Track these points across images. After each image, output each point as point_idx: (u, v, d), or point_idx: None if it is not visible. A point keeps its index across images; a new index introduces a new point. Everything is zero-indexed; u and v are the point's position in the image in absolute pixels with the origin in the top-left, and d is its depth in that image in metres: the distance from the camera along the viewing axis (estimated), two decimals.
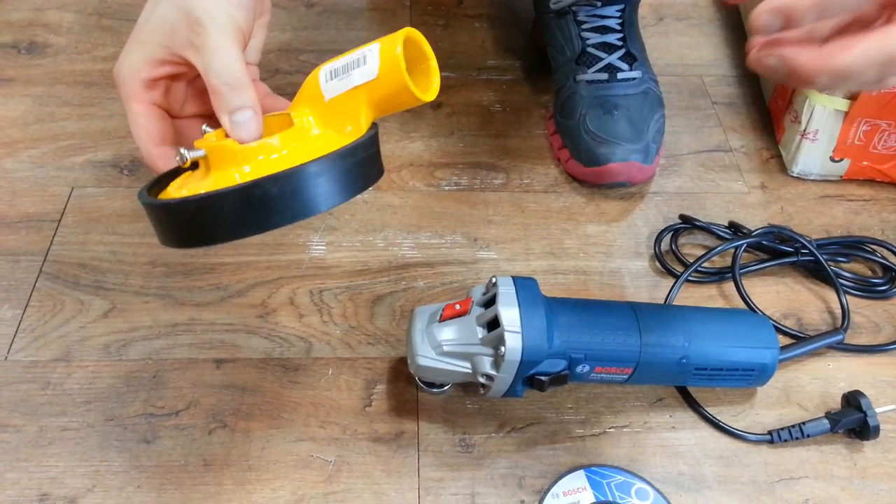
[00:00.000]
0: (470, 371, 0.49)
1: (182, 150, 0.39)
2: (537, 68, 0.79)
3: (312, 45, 0.81)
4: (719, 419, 0.54)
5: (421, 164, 0.70)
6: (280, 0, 0.85)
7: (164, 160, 0.44)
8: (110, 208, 0.65)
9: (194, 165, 0.42)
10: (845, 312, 0.60)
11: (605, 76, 0.68)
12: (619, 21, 0.70)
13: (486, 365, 0.49)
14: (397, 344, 0.58)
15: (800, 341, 0.57)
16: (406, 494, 0.50)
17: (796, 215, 0.68)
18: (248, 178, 0.37)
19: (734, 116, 0.77)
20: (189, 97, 0.47)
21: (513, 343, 0.47)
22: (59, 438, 0.52)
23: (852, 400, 0.54)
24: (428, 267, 0.63)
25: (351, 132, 0.40)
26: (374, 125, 0.41)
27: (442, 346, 0.49)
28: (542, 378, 0.49)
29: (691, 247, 0.65)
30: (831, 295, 0.62)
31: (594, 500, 0.49)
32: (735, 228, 0.65)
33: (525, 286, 0.49)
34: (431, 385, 0.54)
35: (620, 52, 0.69)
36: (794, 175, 0.71)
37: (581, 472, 0.51)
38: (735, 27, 0.86)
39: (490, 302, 0.49)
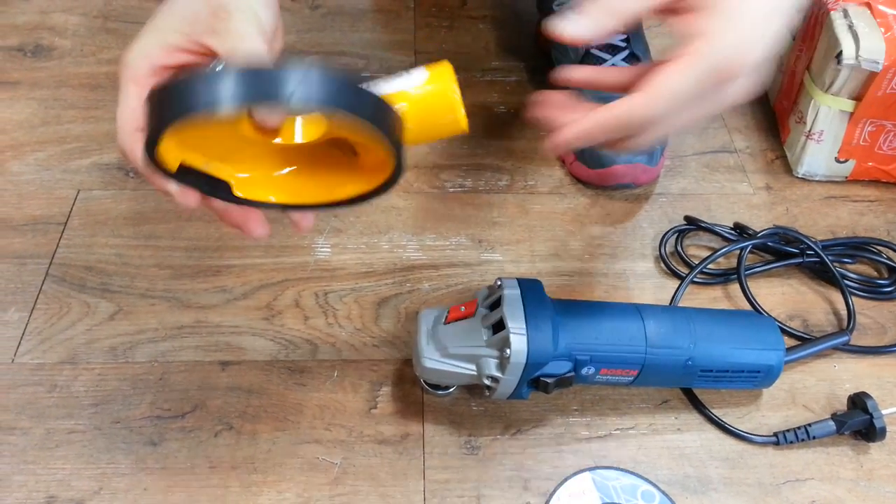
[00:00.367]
0: (475, 373, 0.49)
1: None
2: (541, 70, 0.79)
3: (317, 46, 0.81)
4: (725, 421, 0.54)
5: (426, 165, 0.70)
6: (284, 2, 0.85)
7: (140, 145, 0.43)
8: (116, 211, 0.65)
9: None
10: (851, 313, 0.59)
11: None
12: None
13: (492, 367, 0.49)
14: (402, 346, 0.58)
15: (805, 343, 0.57)
16: (412, 496, 0.50)
17: (801, 216, 0.68)
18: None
19: (739, 117, 0.77)
20: None
21: (518, 345, 0.47)
22: (66, 441, 0.52)
23: (858, 401, 0.53)
24: (433, 269, 0.63)
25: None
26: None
27: (447, 349, 0.49)
28: (548, 380, 0.49)
29: (696, 248, 0.65)
30: (837, 296, 0.62)
31: (600, 503, 0.49)
32: (740, 230, 0.65)
33: (530, 288, 0.50)
34: (437, 387, 0.54)
35: (624, 54, 0.69)
36: (799, 176, 0.71)
37: (587, 474, 0.51)
38: None
39: (495, 304, 0.49)
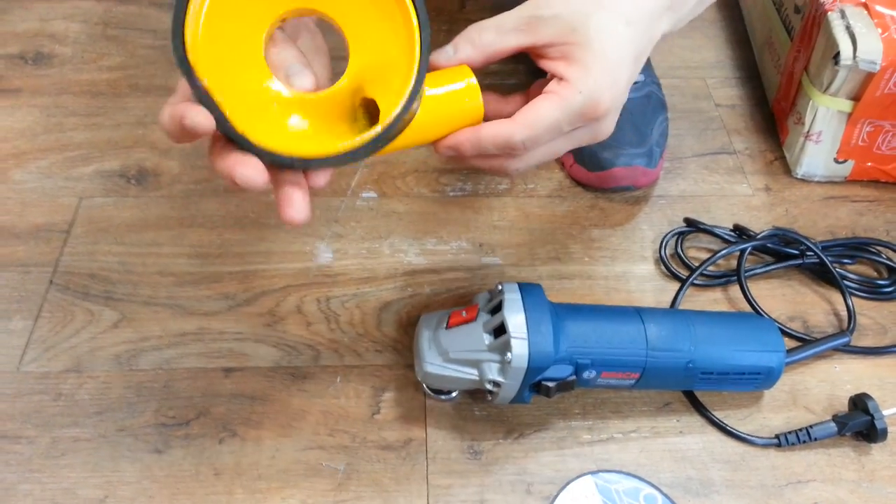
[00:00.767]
0: (477, 378, 0.50)
1: None
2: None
3: None
4: (726, 423, 0.54)
5: (426, 170, 0.71)
6: None
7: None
8: (119, 218, 0.66)
9: None
10: (851, 314, 0.60)
11: None
12: None
13: (493, 371, 0.49)
14: (405, 351, 0.58)
15: (806, 344, 0.58)
16: (415, 502, 0.50)
17: (801, 217, 0.68)
18: None
19: (737, 119, 0.77)
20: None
21: (519, 349, 0.47)
22: (71, 449, 0.52)
23: (859, 403, 0.54)
24: (434, 273, 0.63)
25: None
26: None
27: (449, 353, 0.50)
28: (549, 384, 0.49)
29: (696, 250, 0.65)
30: (837, 297, 0.62)
31: None
32: (740, 231, 0.65)
33: (531, 292, 0.50)
34: (439, 392, 0.54)
35: None
36: (799, 177, 0.71)
37: (589, 478, 0.51)
38: (737, 29, 0.86)
39: (496, 308, 0.50)
